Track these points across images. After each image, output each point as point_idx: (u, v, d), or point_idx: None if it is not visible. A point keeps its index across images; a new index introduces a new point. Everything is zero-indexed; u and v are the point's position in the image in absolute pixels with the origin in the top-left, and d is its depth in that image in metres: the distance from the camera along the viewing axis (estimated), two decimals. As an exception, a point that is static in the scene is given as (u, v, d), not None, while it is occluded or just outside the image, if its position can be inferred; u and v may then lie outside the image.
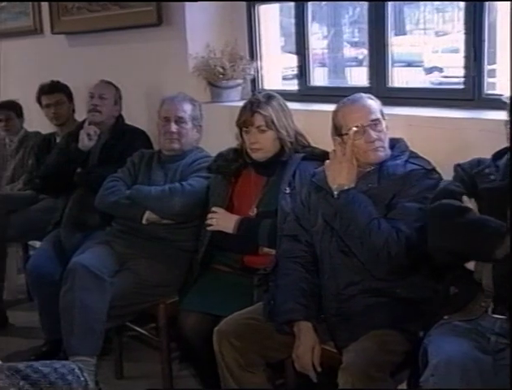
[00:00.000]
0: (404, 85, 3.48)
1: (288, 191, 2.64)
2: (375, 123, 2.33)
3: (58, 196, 3.77)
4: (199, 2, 3.61)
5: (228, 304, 2.57)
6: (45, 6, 4.67)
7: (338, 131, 2.38)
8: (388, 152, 2.36)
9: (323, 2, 3.84)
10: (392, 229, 2.17)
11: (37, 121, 4.47)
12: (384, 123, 2.36)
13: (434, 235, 2.01)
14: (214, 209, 2.78)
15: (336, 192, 2.28)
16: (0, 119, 4.48)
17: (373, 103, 2.38)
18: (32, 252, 4.03)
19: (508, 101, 2.18)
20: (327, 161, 2.38)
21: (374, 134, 2.31)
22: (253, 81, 3.75)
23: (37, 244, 3.88)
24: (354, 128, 2.30)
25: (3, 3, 5.09)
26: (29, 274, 3.46)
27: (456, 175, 2.15)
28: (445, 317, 2.01)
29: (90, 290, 2.81)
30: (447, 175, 2.26)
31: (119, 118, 3.65)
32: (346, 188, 2.26)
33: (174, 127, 3.05)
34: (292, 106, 2.97)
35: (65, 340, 2.88)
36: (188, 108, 3.09)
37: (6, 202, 3.90)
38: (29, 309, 3.86)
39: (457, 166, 2.16)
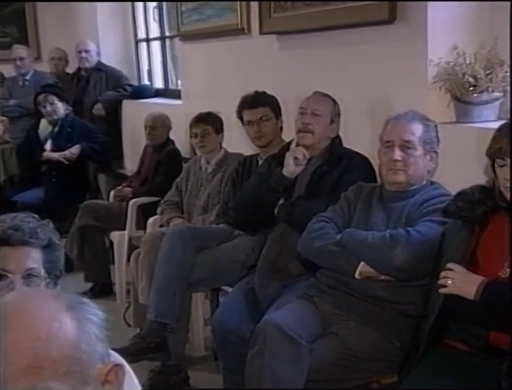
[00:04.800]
0: None
1: (555, 247, 2.45)
2: None
3: (254, 233, 3.88)
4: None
5: (465, 395, 2.45)
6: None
7: None
8: None
9: None
10: None
11: (238, 139, 4.61)
12: None
13: None
14: (449, 265, 2.65)
15: None
16: (195, 134, 4.65)
17: None
18: (222, 299, 4.12)
19: None
20: None
21: None
22: (517, 96, 3.55)
23: (229, 290, 3.96)
24: None
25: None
26: (214, 329, 3.54)
27: None
28: None
29: (283, 358, 2.82)
30: None
31: (336, 140, 3.68)
32: None
33: (398, 154, 3.01)
34: None
35: (250, 419, 2.95)
36: (417, 129, 3.02)
37: (195, 238, 4.00)
38: (214, 370, 3.96)
39: None
